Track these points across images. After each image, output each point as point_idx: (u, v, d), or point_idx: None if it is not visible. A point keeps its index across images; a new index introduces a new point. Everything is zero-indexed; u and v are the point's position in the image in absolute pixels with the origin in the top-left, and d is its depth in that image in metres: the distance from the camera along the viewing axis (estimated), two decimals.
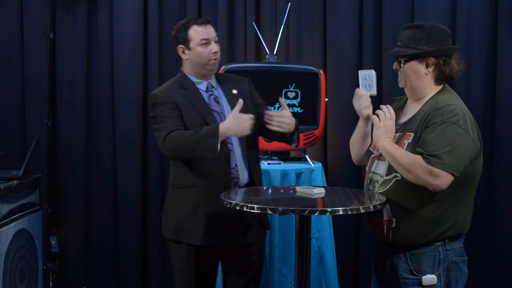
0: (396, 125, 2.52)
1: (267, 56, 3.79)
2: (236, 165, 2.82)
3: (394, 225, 2.40)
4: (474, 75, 3.90)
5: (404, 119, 2.53)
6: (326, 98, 3.68)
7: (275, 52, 3.82)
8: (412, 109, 2.52)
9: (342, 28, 4.11)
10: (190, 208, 2.81)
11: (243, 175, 2.83)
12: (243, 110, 2.73)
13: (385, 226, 2.40)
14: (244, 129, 2.67)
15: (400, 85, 2.53)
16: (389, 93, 3.89)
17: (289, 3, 3.98)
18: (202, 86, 2.89)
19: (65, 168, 4.39)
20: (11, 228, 3.45)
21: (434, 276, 2.39)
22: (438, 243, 2.40)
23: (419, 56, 2.43)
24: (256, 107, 2.91)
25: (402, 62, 2.47)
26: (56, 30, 4.23)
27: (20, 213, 3.57)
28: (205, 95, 2.87)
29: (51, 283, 4.09)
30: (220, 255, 2.90)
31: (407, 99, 2.61)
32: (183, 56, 2.89)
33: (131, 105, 4.29)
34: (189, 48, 2.85)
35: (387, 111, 2.45)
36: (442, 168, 2.27)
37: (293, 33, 4.17)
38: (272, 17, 4.15)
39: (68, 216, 4.42)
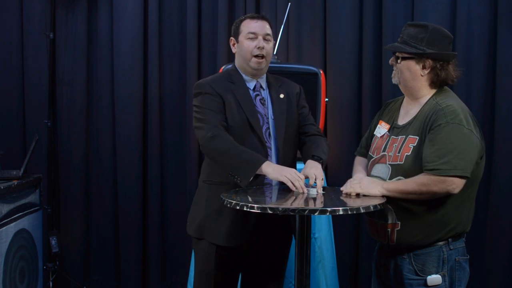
0: (395, 127, 2.52)
1: None
2: None
3: (399, 228, 2.39)
4: (474, 75, 3.90)
5: (403, 120, 2.52)
6: (326, 98, 3.68)
7: (275, 52, 3.81)
8: (411, 110, 2.51)
9: (342, 28, 4.11)
10: (217, 205, 2.70)
11: (276, 182, 2.75)
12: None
13: (389, 230, 2.40)
14: (281, 176, 2.54)
15: (394, 81, 2.53)
16: (389, 94, 3.89)
17: (289, 3, 3.98)
18: (250, 84, 2.83)
19: (65, 168, 4.39)
20: (11, 228, 3.45)
21: (439, 276, 2.39)
22: (442, 243, 2.40)
23: (418, 56, 2.43)
24: (299, 115, 2.86)
25: (400, 58, 2.47)
26: (56, 30, 4.23)
27: (20, 213, 3.57)
28: (252, 94, 2.81)
29: (51, 283, 4.09)
30: (243, 257, 2.82)
31: (402, 100, 2.61)
32: (233, 49, 2.86)
33: (131, 105, 4.29)
34: (237, 41, 2.82)
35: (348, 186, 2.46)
36: (454, 174, 2.28)
37: (293, 33, 4.17)
38: (272, 17, 4.14)
39: (68, 216, 4.42)
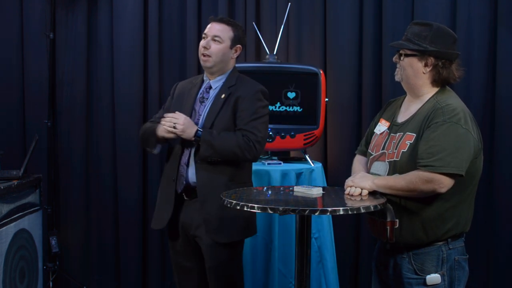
0: (394, 124, 2.53)
1: (267, 56, 3.79)
2: (185, 164, 2.87)
3: (397, 226, 2.40)
4: (474, 76, 3.90)
5: (403, 118, 2.53)
6: (326, 98, 3.68)
7: (275, 52, 3.82)
8: (411, 108, 2.52)
9: (342, 28, 4.11)
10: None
11: (191, 176, 2.86)
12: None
13: (388, 227, 2.40)
14: (160, 130, 2.85)
15: (396, 78, 2.54)
16: (389, 94, 3.89)
17: (289, 3, 3.98)
18: (204, 84, 2.97)
19: (65, 168, 4.39)
20: (11, 228, 3.44)
21: (438, 275, 2.39)
22: (441, 243, 2.40)
23: (420, 53, 2.44)
24: (237, 118, 2.87)
25: (403, 55, 2.47)
26: (56, 30, 4.23)
27: (20, 213, 3.56)
28: (199, 93, 2.96)
29: (51, 283, 4.09)
30: (189, 246, 2.96)
31: (404, 99, 2.61)
32: None
33: (131, 105, 4.29)
34: None
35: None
36: (447, 171, 2.28)
37: (293, 33, 4.17)
38: (272, 17, 4.15)
39: (68, 216, 4.42)
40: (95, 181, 4.42)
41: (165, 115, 2.85)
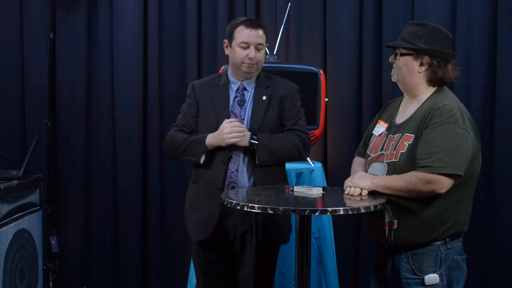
0: (393, 125, 2.53)
1: (267, 56, 3.78)
2: (236, 170, 2.81)
3: (395, 226, 2.40)
4: (474, 75, 3.90)
5: (401, 119, 2.53)
6: (326, 98, 3.68)
7: (275, 52, 3.81)
8: (409, 109, 2.52)
9: (342, 28, 4.11)
10: (189, 202, 2.92)
11: (243, 181, 2.81)
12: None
13: (386, 228, 2.40)
14: (223, 139, 2.72)
15: (393, 79, 2.54)
16: (389, 94, 3.89)
17: (289, 3, 3.98)
18: (235, 86, 2.90)
19: (65, 168, 4.39)
20: (11, 228, 3.44)
21: (436, 275, 2.39)
22: (439, 242, 2.40)
23: (415, 52, 2.44)
24: (283, 119, 2.86)
25: (398, 55, 2.48)
26: (56, 30, 4.23)
27: (20, 213, 3.56)
28: (232, 96, 2.88)
29: (51, 283, 4.09)
30: (221, 251, 2.90)
31: (401, 100, 2.61)
32: (226, 51, 2.92)
33: (131, 105, 4.29)
34: (230, 46, 2.87)
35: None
36: (446, 171, 2.28)
37: (293, 33, 4.17)
38: (272, 17, 4.15)
39: (68, 216, 4.42)
40: (95, 181, 4.42)
41: (228, 122, 2.75)
